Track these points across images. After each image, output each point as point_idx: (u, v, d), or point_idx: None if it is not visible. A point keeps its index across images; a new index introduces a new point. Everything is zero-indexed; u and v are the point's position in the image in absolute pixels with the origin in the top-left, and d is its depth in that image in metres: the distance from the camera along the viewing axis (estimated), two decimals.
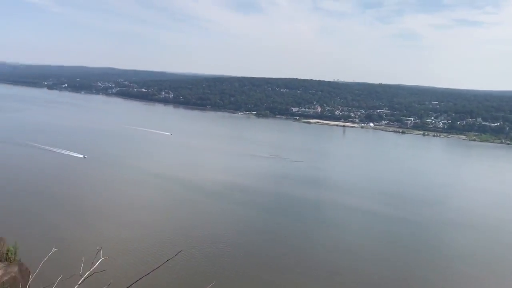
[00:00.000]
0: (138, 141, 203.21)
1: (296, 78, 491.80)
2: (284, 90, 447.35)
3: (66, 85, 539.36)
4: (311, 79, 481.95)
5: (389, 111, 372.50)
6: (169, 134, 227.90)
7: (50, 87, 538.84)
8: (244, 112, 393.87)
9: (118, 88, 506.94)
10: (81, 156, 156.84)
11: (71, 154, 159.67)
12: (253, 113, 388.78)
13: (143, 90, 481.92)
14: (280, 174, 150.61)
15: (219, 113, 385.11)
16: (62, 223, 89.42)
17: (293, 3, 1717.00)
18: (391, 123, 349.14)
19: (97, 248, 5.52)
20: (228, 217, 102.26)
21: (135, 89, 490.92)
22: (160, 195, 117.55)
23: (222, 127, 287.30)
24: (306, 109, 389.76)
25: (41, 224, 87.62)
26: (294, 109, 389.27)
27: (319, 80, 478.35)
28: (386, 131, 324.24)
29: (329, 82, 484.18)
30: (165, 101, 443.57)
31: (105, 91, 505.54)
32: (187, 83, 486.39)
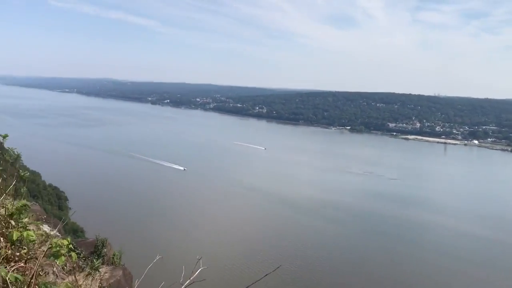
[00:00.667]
0: (234, 155, 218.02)
1: (393, 93, 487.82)
2: (380, 105, 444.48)
3: (168, 100, 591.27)
4: (410, 94, 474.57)
5: (496, 127, 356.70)
6: (263, 148, 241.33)
7: (153, 103, 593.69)
8: (338, 127, 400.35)
9: (215, 104, 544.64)
10: (182, 168, 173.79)
11: (172, 166, 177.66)
12: (347, 128, 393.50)
13: (238, 105, 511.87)
14: (374, 192, 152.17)
15: (312, 128, 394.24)
16: (163, 232, 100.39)
17: (391, 16, 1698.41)
18: (498, 140, 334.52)
19: (197, 257, 5.59)
20: (321, 234, 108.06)
21: (231, 104, 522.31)
22: (255, 208, 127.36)
23: (315, 142, 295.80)
24: (404, 125, 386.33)
25: (143, 231, 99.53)
26: (391, 125, 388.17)
27: (418, 95, 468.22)
28: (492, 149, 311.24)
29: (428, 96, 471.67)
30: (259, 116, 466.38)
31: (203, 106, 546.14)
32: (280, 98, 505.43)
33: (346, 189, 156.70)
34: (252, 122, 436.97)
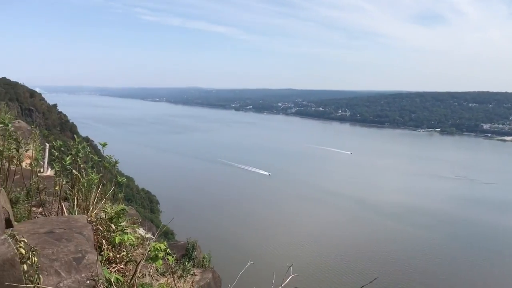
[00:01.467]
0: (318, 159, 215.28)
1: (487, 91, 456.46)
2: (473, 105, 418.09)
3: (251, 106, 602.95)
4: (506, 92, 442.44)
5: None
6: (349, 153, 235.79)
7: (236, 109, 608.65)
8: (426, 129, 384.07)
9: (297, 108, 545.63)
10: (266, 173, 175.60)
11: (257, 171, 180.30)
12: (436, 130, 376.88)
13: (320, 109, 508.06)
14: (467, 197, 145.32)
15: (398, 131, 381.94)
16: (250, 237, 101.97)
17: (483, 10, 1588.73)
18: None
19: (287, 264, 5.49)
20: (413, 242, 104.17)
21: (313, 108, 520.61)
22: (343, 214, 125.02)
23: (402, 145, 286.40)
24: (500, 125, 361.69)
25: (230, 235, 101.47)
26: (485, 126, 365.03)
27: None
28: None
29: None
30: (342, 119, 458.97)
31: (284, 111, 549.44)
32: (364, 101, 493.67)
33: (436, 195, 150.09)
34: (335, 126, 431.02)
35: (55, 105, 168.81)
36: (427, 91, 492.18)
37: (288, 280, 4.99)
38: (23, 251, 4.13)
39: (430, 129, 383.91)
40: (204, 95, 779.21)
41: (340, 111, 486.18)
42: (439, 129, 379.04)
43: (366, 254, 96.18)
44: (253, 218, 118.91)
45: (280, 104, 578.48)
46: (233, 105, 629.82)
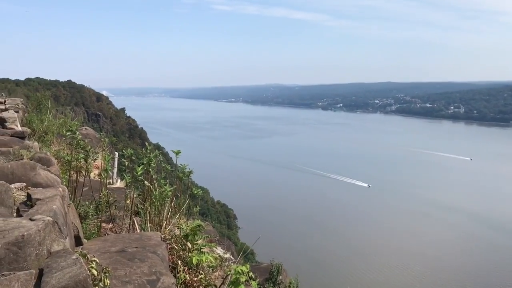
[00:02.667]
0: (430, 167, 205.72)
1: None
2: None
3: (341, 104, 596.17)
4: None
5: None
6: (469, 159, 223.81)
7: (324, 108, 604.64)
8: None
9: (398, 105, 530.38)
10: (365, 185, 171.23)
11: (354, 182, 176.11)
12: None
13: (427, 105, 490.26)
14: None
15: None
16: (346, 260, 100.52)
17: None
18: None
19: None
20: None
21: (418, 105, 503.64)
22: (460, 235, 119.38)
23: None
24: None
25: (320, 257, 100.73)
26: None
27: None
28: None
29: None
30: (454, 117, 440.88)
31: (382, 109, 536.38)
32: (482, 94, 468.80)
33: None
34: (447, 126, 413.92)
35: (123, 109, 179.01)
36: None
37: None
38: (95, 272, 4.37)
39: None
40: (286, 92, 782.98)
41: (452, 107, 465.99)
42: None
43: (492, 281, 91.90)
44: (349, 238, 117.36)
45: (377, 101, 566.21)
46: (319, 104, 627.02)
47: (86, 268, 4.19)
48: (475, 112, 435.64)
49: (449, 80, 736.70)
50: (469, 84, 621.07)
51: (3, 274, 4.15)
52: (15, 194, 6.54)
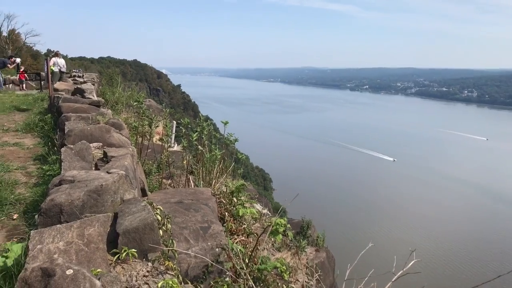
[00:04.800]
0: (449, 145, 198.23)
1: None
2: None
3: (367, 86, 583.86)
4: None
5: None
6: (485, 139, 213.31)
7: (352, 89, 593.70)
8: None
9: (417, 88, 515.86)
10: (391, 159, 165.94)
11: (380, 156, 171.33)
12: None
13: (444, 89, 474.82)
14: None
15: None
16: (368, 221, 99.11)
17: None
18: None
19: (410, 249, 5.10)
20: None
21: (435, 89, 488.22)
22: (473, 205, 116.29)
23: None
24: None
25: (346, 218, 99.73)
26: None
27: None
28: None
29: None
30: (467, 101, 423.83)
31: (404, 91, 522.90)
32: (494, 80, 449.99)
33: None
34: (460, 107, 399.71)
35: (179, 86, 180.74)
36: None
37: (410, 264, 4.66)
38: (159, 218, 4.55)
39: None
40: (319, 75, 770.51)
41: (465, 91, 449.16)
42: None
43: (495, 246, 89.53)
44: (374, 203, 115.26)
45: (399, 84, 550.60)
46: (348, 85, 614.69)
47: (153, 214, 4.37)
48: (487, 96, 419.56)
49: (465, 67, 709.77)
50: (482, 71, 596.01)
51: (86, 216, 4.38)
52: (94, 152, 6.80)
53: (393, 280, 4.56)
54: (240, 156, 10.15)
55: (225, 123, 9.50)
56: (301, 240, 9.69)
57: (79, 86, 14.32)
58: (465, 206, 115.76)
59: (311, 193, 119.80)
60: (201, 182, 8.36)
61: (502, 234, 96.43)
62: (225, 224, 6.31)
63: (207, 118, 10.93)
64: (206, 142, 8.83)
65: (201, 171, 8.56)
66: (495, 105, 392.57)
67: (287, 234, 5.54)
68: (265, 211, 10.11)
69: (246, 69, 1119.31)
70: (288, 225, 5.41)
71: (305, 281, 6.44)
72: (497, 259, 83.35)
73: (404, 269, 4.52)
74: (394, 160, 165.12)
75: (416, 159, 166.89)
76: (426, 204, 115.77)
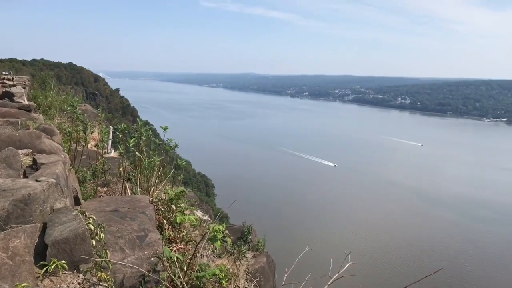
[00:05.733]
0: (385, 150, 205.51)
1: None
2: None
3: (307, 93, 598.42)
4: None
5: None
6: (420, 144, 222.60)
7: (292, 95, 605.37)
8: (492, 119, 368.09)
9: (354, 95, 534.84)
10: (331, 164, 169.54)
11: (321, 161, 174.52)
12: (503, 120, 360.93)
13: (379, 96, 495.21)
14: None
15: (461, 120, 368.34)
16: (308, 225, 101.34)
17: None
18: None
19: (345, 252, 5.28)
20: (481, 238, 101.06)
21: (371, 96, 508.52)
22: (407, 207, 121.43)
23: (466, 136, 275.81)
24: None
25: (286, 223, 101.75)
26: None
27: None
28: None
29: None
30: (401, 107, 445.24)
31: (341, 98, 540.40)
32: (425, 88, 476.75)
33: (506, 187, 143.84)
34: (394, 114, 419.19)
35: (117, 90, 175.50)
36: (494, 79, 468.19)
37: (346, 267, 4.87)
38: (92, 227, 4.37)
39: (495, 119, 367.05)
40: (260, 81, 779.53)
41: (399, 98, 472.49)
42: (505, 119, 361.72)
43: (426, 247, 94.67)
44: (314, 207, 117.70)
45: (337, 91, 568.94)
46: (288, 92, 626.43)
47: (85, 223, 4.19)
48: (419, 103, 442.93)
49: (399, 75, 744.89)
50: (415, 79, 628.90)
51: (11, 227, 4.12)
52: (22, 159, 6.43)
53: (329, 283, 4.68)
54: (180, 162, 10.01)
55: (165, 129, 9.34)
56: (242, 245, 9.70)
57: (7, 89, 13.50)
58: (401, 210, 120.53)
59: (253, 198, 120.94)
60: (139, 190, 8.14)
61: (434, 237, 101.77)
62: (163, 232, 6.18)
63: (146, 123, 10.68)
64: (144, 148, 8.63)
65: (138, 178, 8.33)
66: (426, 111, 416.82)
67: (226, 240, 5.52)
68: (205, 217, 10.04)
69: (188, 73, 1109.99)
70: (226, 231, 5.39)
71: (245, 287, 6.45)
72: (428, 259, 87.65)
73: (339, 272, 4.68)
74: (335, 166, 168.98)
75: (356, 164, 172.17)
76: (364, 208, 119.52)
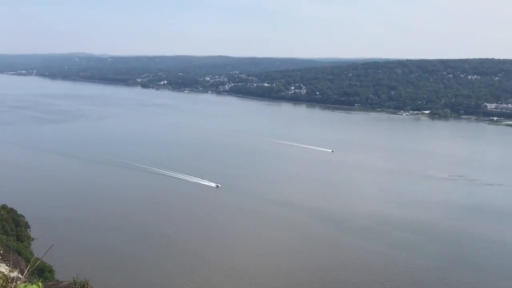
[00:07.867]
0: (287, 160, 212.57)
1: (492, 58, 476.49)
2: (474, 77, 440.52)
3: (165, 82, 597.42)
4: None
5: None
6: (331, 151, 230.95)
7: (144, 85, 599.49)
8: (411, 112, 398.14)
9: (232, 84, 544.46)
10: (213, 185, 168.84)
11: (198, 181, 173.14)
12: (424, 113, 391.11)
13: (265, 84, 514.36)
14: (464, 204, 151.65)
15: (374, 114, 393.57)
16: (176, 270, 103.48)
17: None
18: None
19: None
20: (379, 264, 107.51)
21: (255, 84, 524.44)
22: (301, 232, 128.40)
23: (380, 135, 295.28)
24: (509, 105, 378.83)
25: (137, 266, 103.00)
26: (490, 106, 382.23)
27: None
28: None
29: None
30: (295, 99, 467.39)
31: (215, 88, 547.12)
32: (325, 73, 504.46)
33: (424, 201, 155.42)
34: (286, 108, 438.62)
35: None
36: (412, 59, 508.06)
37: None
38: None
39: (416, 112, 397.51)
40: (96, 64, 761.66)
41: (292, 87, 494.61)
42: (428, 112, 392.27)
43: (314, 275, 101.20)
44: (169, 244, 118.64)
45: (208, 78, 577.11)
46: (139, 80, 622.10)
47: None
48: (318, 93, 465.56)
49: (290, 56, 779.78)
50: (312, 61, 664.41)
51: None
52: None
53: None
54: None
55: None
56: None
57: None
58: (294, 238, 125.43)
59: (92, 239, 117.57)
60: None
61: (332, 268, 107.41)
62: None
63: None
64: None
65: None
66: (328, 104, 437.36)
67: None
68: (14, 274, 9.77)
69: None
70: None
71: None
72: None
73: None
74: (218, 186, 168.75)
75: (246, 181, 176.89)
76: (242, 238, 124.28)
